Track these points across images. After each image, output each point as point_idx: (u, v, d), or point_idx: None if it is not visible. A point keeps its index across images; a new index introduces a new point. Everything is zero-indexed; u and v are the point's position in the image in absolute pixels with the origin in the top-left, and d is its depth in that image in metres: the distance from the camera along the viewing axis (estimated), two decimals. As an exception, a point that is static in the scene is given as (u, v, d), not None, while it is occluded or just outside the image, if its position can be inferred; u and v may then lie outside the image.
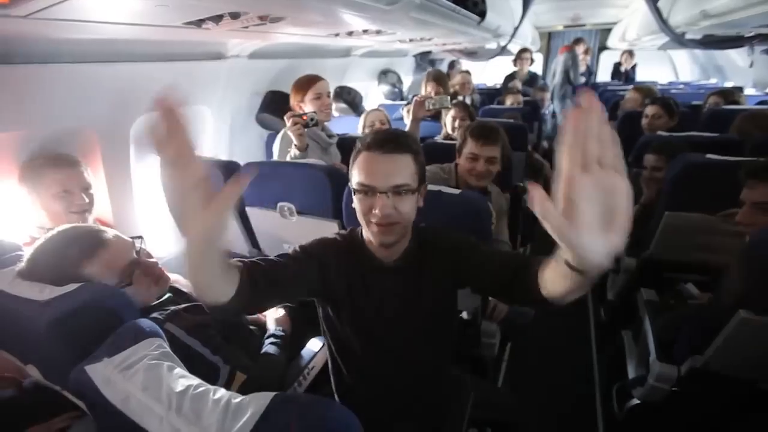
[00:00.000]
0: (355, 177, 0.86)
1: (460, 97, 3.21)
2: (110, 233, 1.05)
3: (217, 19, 1.22)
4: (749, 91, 3.90)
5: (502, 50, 4.96)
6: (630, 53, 5.80)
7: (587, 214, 0.46)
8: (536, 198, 0.48)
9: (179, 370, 0.72)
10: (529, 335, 2.10)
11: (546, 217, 0.48)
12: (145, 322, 0.83)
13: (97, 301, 0.87)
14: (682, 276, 1.59)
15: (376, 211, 0.83)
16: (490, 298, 1.51)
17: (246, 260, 0.81)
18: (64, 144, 1.43)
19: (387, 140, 0.84)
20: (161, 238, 1.90)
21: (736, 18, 2.13)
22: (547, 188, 0.49)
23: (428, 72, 2.89)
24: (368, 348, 0.98)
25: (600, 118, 0.44)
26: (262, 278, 0.80)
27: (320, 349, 1.30)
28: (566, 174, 0.46)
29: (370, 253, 0.94)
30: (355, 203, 0.88)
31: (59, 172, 1.32)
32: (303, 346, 1.31)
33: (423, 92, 2.80)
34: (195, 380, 0.68)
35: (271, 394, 0.60)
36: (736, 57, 4.23)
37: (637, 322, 1.64)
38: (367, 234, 0.92)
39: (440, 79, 2.80)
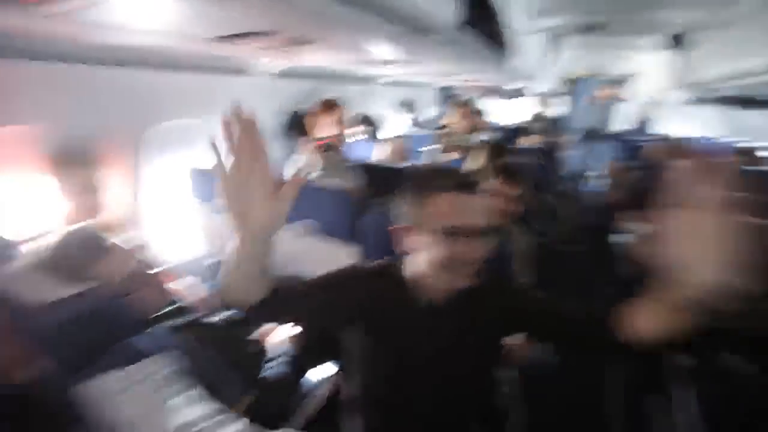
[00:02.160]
0: (435, 217, 0.77)
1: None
2: (116, 239, 1.03)
3: (249, 36, 1.22)
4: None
5: (524, 91, 5.03)
6: (647, 105, 5.80)
7: (682, 248, 0.51)
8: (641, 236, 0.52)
9: (181, 398, 0.68)
10: (551, 386, 1.89)
11: (646, 252, 0.55)
12: (150, 338, 0.82)
13: (99, 309, 0.84)
14: None
15: (470, 255, 0.76)
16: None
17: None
18: (80, 143, 1.43)
19: (470, 182, 0.80)
20: (167, 246, 1.87)
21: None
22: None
23: (456, 101, 2.97)
24: (389, 388, 0.88)
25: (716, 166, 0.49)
26: (290, 293, 0.79)
27: (326, 376, 1.24)
28: (663, 210, 0.51)
29: (410, 291, 0.86)
30: (432, 245, 0.77)
31: (72, 172, 1.30)
32: (309, 370, 1.25)
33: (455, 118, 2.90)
34: (198, 408, 0.65)
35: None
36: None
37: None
38: (414, 271, 0.84)
39: (466, 106, 2.95)
